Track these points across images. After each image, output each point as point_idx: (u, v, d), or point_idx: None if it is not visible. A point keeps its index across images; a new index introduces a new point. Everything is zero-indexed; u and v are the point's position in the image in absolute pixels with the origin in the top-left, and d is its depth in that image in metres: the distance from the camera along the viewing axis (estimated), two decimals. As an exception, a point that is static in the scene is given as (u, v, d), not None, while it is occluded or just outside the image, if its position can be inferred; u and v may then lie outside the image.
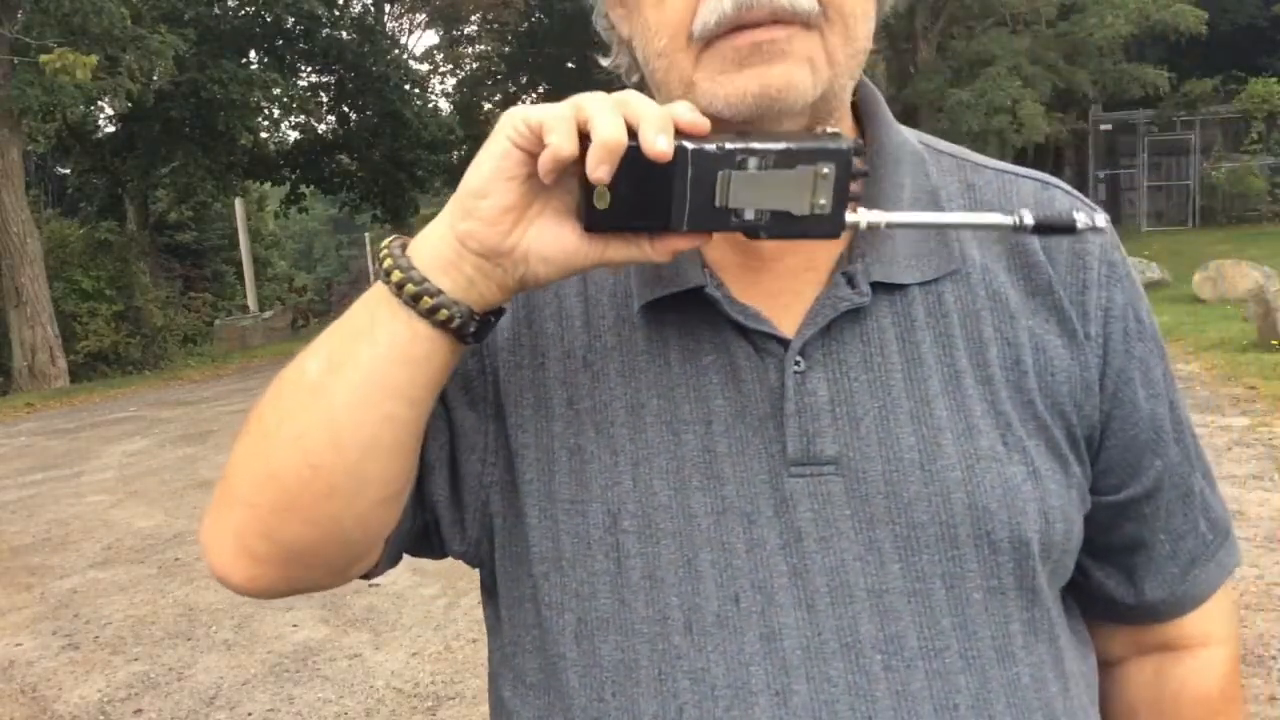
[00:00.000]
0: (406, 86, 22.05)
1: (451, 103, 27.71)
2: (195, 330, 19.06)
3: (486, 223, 0.63)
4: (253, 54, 19.39)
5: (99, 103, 14.91)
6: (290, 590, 0.77)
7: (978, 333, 0.73)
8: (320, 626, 4.31)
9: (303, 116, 22.07)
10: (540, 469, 0.73)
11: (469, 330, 0.66)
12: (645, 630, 0.70)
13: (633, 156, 0.59)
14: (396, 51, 23.29)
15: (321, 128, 22.91)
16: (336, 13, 20.29)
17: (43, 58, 11.85)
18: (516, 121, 0.61)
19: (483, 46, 28.28)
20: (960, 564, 0.69)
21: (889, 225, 0.65)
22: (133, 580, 5.13)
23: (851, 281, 0.72)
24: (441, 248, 0.65)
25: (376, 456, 0.68)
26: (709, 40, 0.66)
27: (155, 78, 14.45)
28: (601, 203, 0.61)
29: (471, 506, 0.77)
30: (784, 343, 0.71)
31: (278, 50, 19.83)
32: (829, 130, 0.64)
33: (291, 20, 19.34)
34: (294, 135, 23.09)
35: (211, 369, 15.76)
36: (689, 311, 0.73)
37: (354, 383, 0.67)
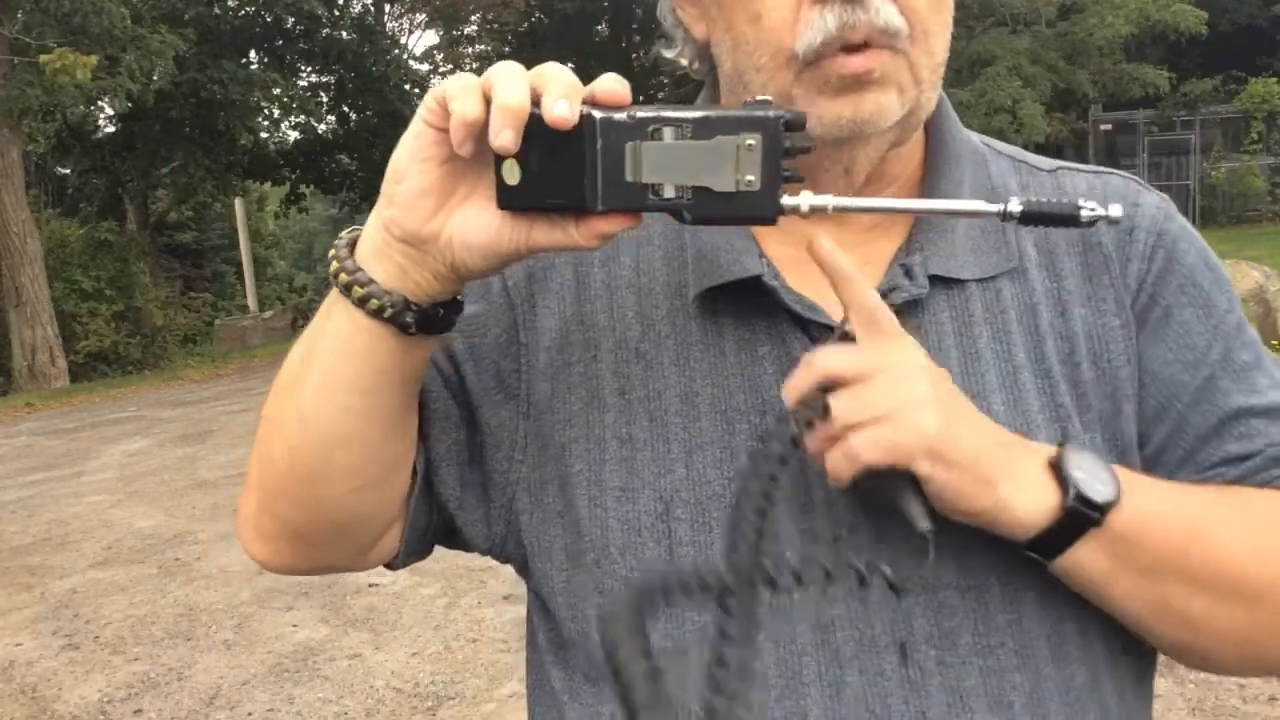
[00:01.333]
0: (406, 86, 22.03)
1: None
2: (195, 330, 19.06)
3: (404, 207, 0.62)
4: (253, 54, 19.40)
5: (99, 103, 14.89)
6: (313, 568, 0.81)
7: (1034, 327, 0.73)
8: (320, 626, 4.31)
9: (303, 116, 22.08)
10: (590, 459, 0.73)
11: (405, 320, 0.64)
12: (697, 618, 0.69)
13: (539, 127, 0.56)
14: (396, 51, 23.30)
15: (321, 128, 22.91)
16: (336, 13, 20.28)
17: (43, 58, 11.85)
18: (428, 99, 0.61)
19: (483, 46, 28.26)
20: (1015, 561, 0.68)
21: (836, 209, 0.60)
22: (133, 580, 5.13)
23: (909, 273, 0.72)
24: (373, 236, 0.65)
25: (341, 446, 0.70)
26: (811, 60, 0.67)
27: (155, 78, 14.44)
28: (512, 178, 0.58)
29: (497, 503, 0.77)
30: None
31: (278, 50, 19.82)
32: (759, 98, 0.59)
33: (291, 20, 19.33)
34: (294, 135, 23.11)
35: (211, 369, 15.76)
36: (744, 301, 0.73)
37: (315, 373, 0.69)
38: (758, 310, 0.73)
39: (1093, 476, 0.64)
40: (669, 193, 0.57)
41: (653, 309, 0.75)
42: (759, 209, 0.58)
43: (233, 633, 4.33)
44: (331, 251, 0.67)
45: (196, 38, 15.79)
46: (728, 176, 0.57)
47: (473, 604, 4.36)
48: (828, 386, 0.62)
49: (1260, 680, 3.18)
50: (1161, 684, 3.19)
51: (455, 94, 0.58)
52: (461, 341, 0.78)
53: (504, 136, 0.56)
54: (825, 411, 0.62)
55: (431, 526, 0.80)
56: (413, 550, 0.81)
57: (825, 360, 0.63)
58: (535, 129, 0.56)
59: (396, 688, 3.68)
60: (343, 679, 3.79)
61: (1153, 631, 0.70)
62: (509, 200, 0.59)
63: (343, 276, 0.65)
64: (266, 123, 20.93)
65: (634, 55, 25.13)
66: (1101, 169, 0.82)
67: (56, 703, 3.78)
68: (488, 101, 0.57)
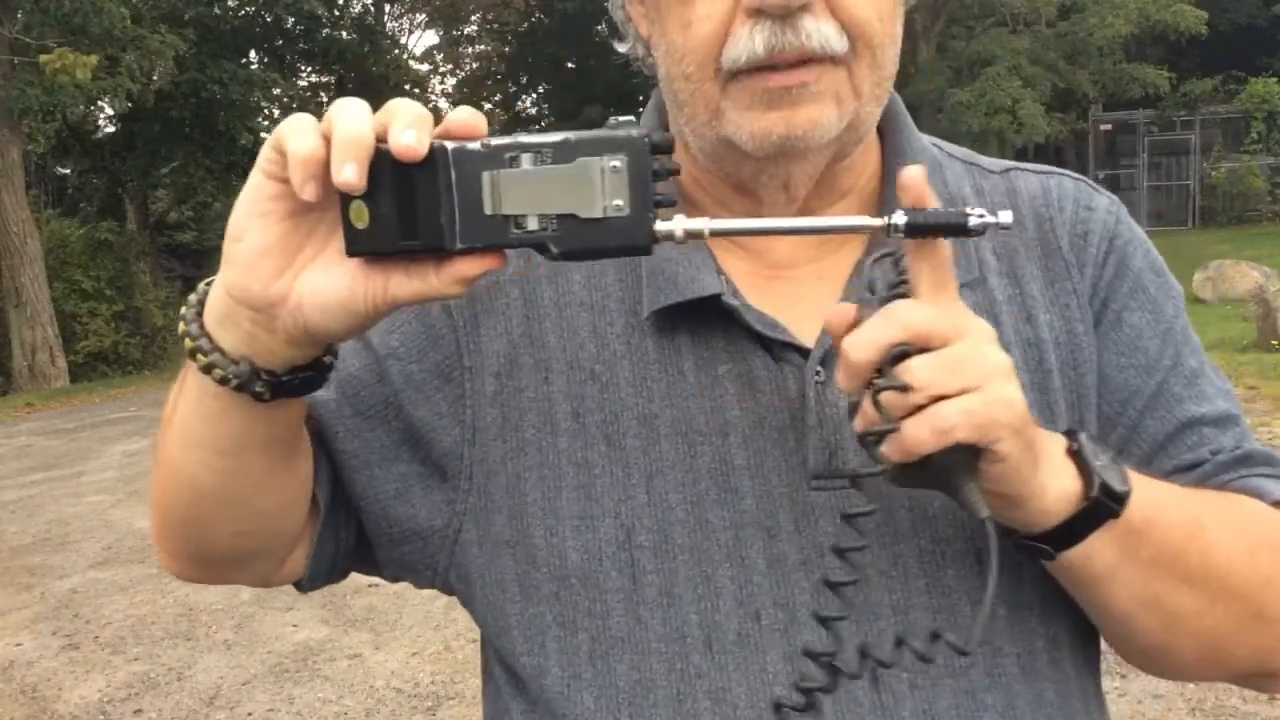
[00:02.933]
0: (406, 87, 22.05)
1: (451, 103, 27.67)
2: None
3: (244, 268, 0.56)
4: (253, 54, 19.41)
5: (99, 103, 14.90)
6: (223, 582, 0.81)
7: (1000, 340, 0.71)
8: (320, 626, 4.31)
9: (303, 116, 22.08)
10: (545, 487, 0.70)
11: (254, 390, 0.60)
12: (663, 649, 0.67)
13: (388, 164, 0.52)
14: (396, 51, 23.30)
15: (321, 128, 22.92)
16: (336, 13, 20.32)
17: (43, 58, 11.85)
18: (265, 148, 0.55)
19: (483, 46, 28.29)
20: (985, 579, 0.66)
21: (713, 233, 0.55)
22: (133, 580, 5.13)
23: (871, 288, 0.69)
24: (217, 300, 0.59)
25: (210, 499, 0.69)
26: (736, 74, 0.65)
27: (155, 78, 14.44)
28: (360, 220, 0.53)
29: (439, 534, 0.74)
30: (804, 352, 0.69)
31: (278, 50, 19.85)
32: (621, 119, 0.55)
33: (291, 20, 19.35)
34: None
35: (211, 369, 15.75)
36: (703, 320, 0.70)
37: (176, 427, 0.67)
38: (716, 328, 0.70)
39: (1109, 467, 0.63)
40: (533, 224, 0.53)
41: (606, 327, 0.71)
42: (631, 236, 0.54)
43: (233, 633, 4.32)
44: (183, 309, 0.62)
45: (196, 38, 15.80)
46: (594, 202, 0.53)
47: (473, 604, 4.36)
48: (901, 352, 0.56)
49: (1260, 680, 3.17)
50: (1162, 684, 3.19)
51: (290, 134, 0.53)
52: (397, 367, 0.74)
53: (347, 171, 0.51)
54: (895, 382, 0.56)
55: (340, 554, 0.78)
56: (319, 575, 0.78)
57: (912, 315, 0.57)
58: (383, 167, 0.52)
59: (396, 688, 3.68)
60: (343, 679, 3.79)
61: (1135, 630, 0.68)
62: (357, 245, 0.54)
63: (188, 342, 0.60)
64: (266, 123, 20.87)
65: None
66: (1054, 170, 0.80)
67: (56, 703, 3.78)
68: (329, 142, 0.52)
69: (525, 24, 26.09)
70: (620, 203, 0.53)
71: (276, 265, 0.57)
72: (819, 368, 0.68)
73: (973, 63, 18.92)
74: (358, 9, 22.12)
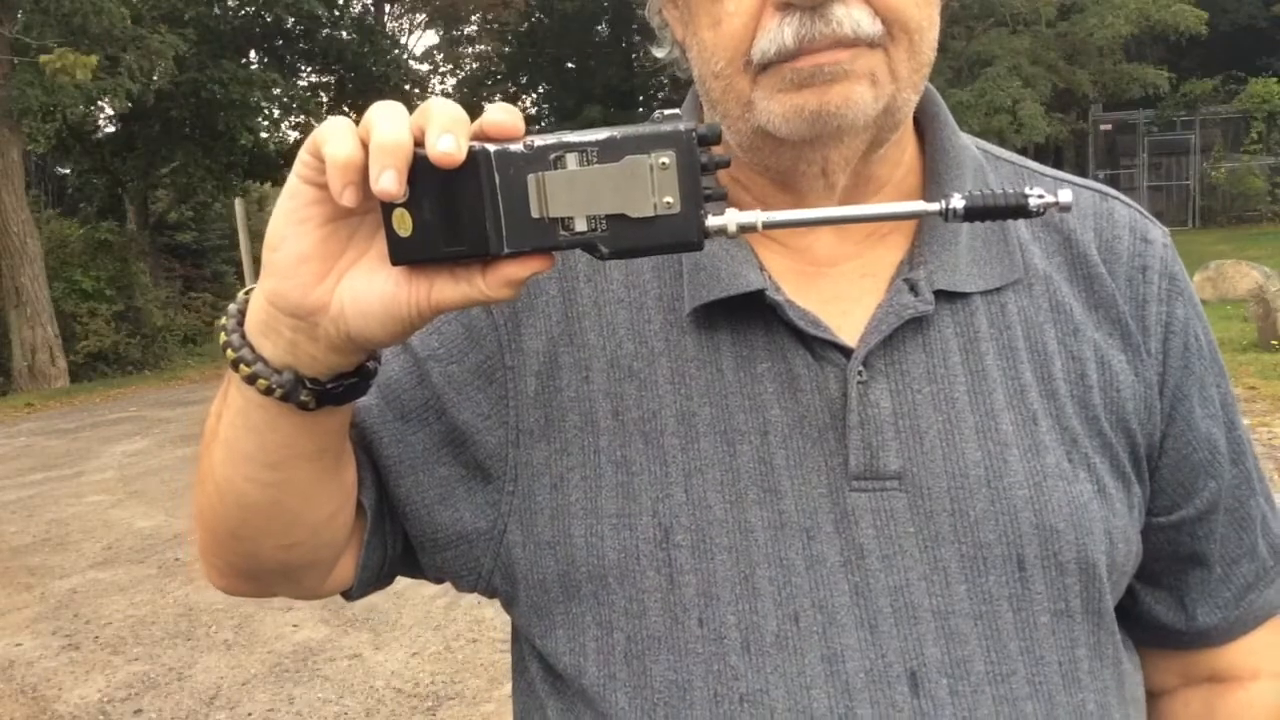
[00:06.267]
0: (406, 87, 22.04)
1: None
2: (195, 330, 19.04)
3: (284, 276, 0.56)
4: (253, 54, 19.40)
5: (99, 103, 14.88)
6: (271, 595, 0.79)
7: (1042, 345, 0.70)
8: (320, 626, 4.31)
9: (303, 116, 22.06)
10: (587, 487, 0.69)
11: (299, 399, 0.59)
12: (700, 650, 0.66)
13: (428, 169, 0.50)
14: (396, 51, 23.29)
15: (321, 128, 22.90)
16: (336, 13, 20.28)
17: (43, 58, 11.84)
18: (302, 152, 0.54)
19: (483, 46, 28.28)
20: (1027, 585, 0.66)
21: (766, 225, 0.54)
22: (133, 580, 5.12)
23: (914, 289, 0.69)
24: (257, 310, 0.59)
25: (256, 514, 0.68)
26: (766, 65, 0.64)
27: (155, 78, 14.42)
28: (403, 228, 0.52)
29: (485, 536, 0.74)
30: (845, 351, 0.68)
31: (278, 50, 19.83)
32: (666, 113, 0.54)
33: (291, 20, 19.32)
34: (294, 135, 23.09)
35: (212, 369, 15.75)
36: (742, 316, 0.69)
37: (221, 442, 0.66)
38: (756, 326, 0.69)
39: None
40: (581, 225, 0.51)
41: (645, 324, 0.71)
42: (682, 233, 0.52)
43: (233, 633, 4.32)
44: (221, 320, 0.62)
45: (196, 38, 15.77)
46: (644, 200, 0.51)
47: (473, 604, 4.36)
48: None
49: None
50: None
51: (328, 138, 0.52)
52: (438, 369, 0.73)
53: (386, 179, 0.49)
54: None
55: (388, 561, 0.78)
56: (367, 583, 0.78)
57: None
58: (424, 172, 0.51)
59: (396, 688, 3.68)
60: (343, 679, 3.79)
61: None
62: (402, 254, 0.53)
63: (229, 353, 0.60)
64: (266, 123, 20.88)
65: (634, 55, 25.12)
66: (1107, 192, 0.79)
67: (56, 703, 3.78)
68: (367, 147, 0.51)
69: (525, 24, 26.07)
70: (670, 199, 0.52)
71: (317, 272, 0.56)
72: (861, 367, 0.68)
73: (973, 63, 18.91)
74: (358, 9, 22.15)
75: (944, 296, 0.69)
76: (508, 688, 3.57)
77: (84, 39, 12.54)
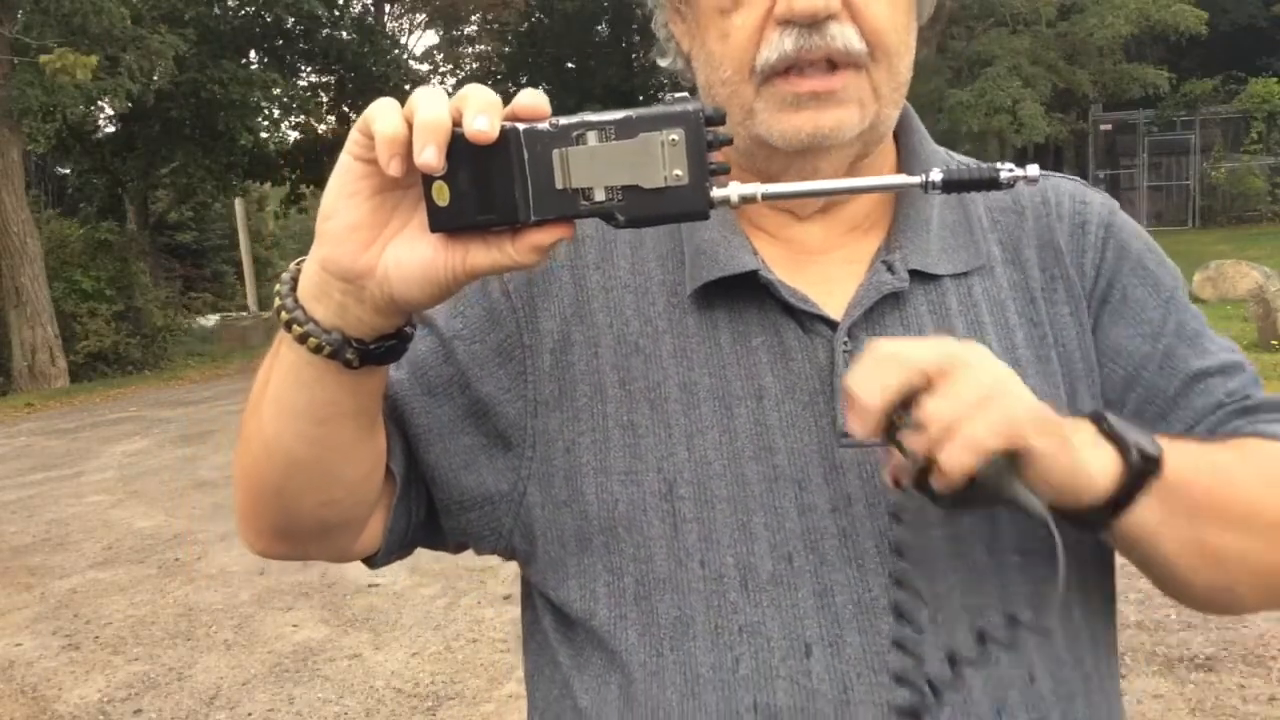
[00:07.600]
0: (406, 87, 22.01)
1: (452, 103, 27.62)
2: (195, 330, 19.06)
3: (336, 243, 0.63)
4: (253, 54, 19.40)
5: (99, 103, 14.89)
6: (306, 558, 0.85)
7: (1004, 320, 0.79)
8: (320, 626, 4.31)
9: (303, 116, 22.07)
10: (596, 449, 0.77)
11: (345, 357, 0.66)
12: (701, 588, 0.73)
13: (464, 146, 0.57)
14: (396, 51, 23.28)
15: (322, 128, 22.90)
16: (336, 13, 20.28)
17: (43, 58, 11.85)
18: (353, 131, 0.61)
19: (483, 46, 28.28)
20: (995, 525, 0.74)
21: (765, 197, 0.61)
22: (133, 580, 5.13)
23: (891, 269, 0.77)
24: (311, 274, 0.65)
25: (301, 469, 0.73)
26: (769, 75, 0.73)
27: (155, 78, 14.43)
28: (441, 199, 0.59)
29: (507, 499, 0.80)
30: (831, 324, 0.76)
31: (278, 50, 19.83)
32: (677, 94, 0.60)
33: (291, 20, 19.32)
34: (294, 135, 23.10)
35: (212, 369, 15.76)
36: (738, 296, 0.77)
37: (270, 399, 0.72)
38: (751, 304, 0.77)
39: (1139, 434, 0.68)
40: (600, 196, 0.58)
41: (649, 306, 0.79)
42: (690, 203, 0.59)
43: (233, 633, 4.33)
44: (276, 286, 0.68)
45: (196, 38, 15.78)
46: (655, 173, 0.58)
47: (473, 604, 4.36)
48: (906, 401, 0.61)
49: (1260, 680, 3.18)
50: (1162, 684, 3.19)
51: (377, 115, 0.59)
52: (462, 346, 0.81)
53: (428, 153, 0.56)
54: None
55: (411, 528, 0.84)
56: (393, 549, 0.84)
57: (912, 354, 0.62)
58: (461, 149, 0.57)
59: (396, 688, 3.68)
60: (343, 679, 3.79)
61: (1190, 577, 0.73)
62: (440, 222, 0.60)
63: (283, 314, 0.66)
64: (266, 123, 20.89)
65: (634, 55, 25.13)
66: (1051, 173, 0.86)
67: (56, 703, 3.78)
68: (411, 127, 0.58)
69: (525, 24, 26.07)
70: (680, 172, 0.58)
71: (364, 239, 0.62)
72: (846, 338, 0.75)
73: (973, 63, 18.92)
74: (358, 9, 22.11)
75: (918, 277, 0.78)
76: (508, 688, 3.58)
77: (84, 39, 12.55)
